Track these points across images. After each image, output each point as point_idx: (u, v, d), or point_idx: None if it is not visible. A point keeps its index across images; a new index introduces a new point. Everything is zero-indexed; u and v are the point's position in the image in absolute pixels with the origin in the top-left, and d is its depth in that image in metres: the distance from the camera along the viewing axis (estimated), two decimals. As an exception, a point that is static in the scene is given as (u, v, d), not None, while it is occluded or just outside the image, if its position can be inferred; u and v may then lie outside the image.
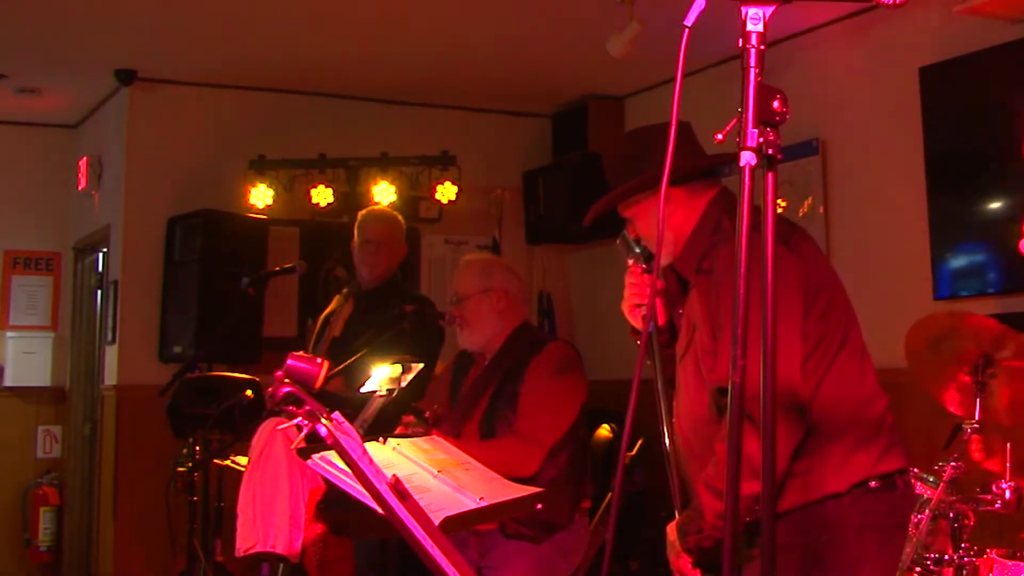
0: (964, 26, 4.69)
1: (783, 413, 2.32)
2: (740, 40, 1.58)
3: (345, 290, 4.74)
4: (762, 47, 1.57)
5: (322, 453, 2.12)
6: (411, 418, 3.44)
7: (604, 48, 5.16)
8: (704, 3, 1.59)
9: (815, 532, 2.44)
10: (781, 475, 2.40)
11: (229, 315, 5.48)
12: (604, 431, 5.93)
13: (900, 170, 5.04)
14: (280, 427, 2.89)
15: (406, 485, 1.78)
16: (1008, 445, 2.85)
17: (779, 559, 1.65)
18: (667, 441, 2.71)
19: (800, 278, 2.44)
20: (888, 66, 5.16)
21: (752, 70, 1.56)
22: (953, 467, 2.71)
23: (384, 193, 6.15)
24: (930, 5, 4.79)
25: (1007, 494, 2.74)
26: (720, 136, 1.65)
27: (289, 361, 1.90)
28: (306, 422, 1.79)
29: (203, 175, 6.37)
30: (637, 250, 2.78)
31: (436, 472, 2.53)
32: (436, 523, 1.83)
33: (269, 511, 3.49)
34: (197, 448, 4.54)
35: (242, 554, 3.51)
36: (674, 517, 2.60)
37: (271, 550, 3.46)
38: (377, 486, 1.75)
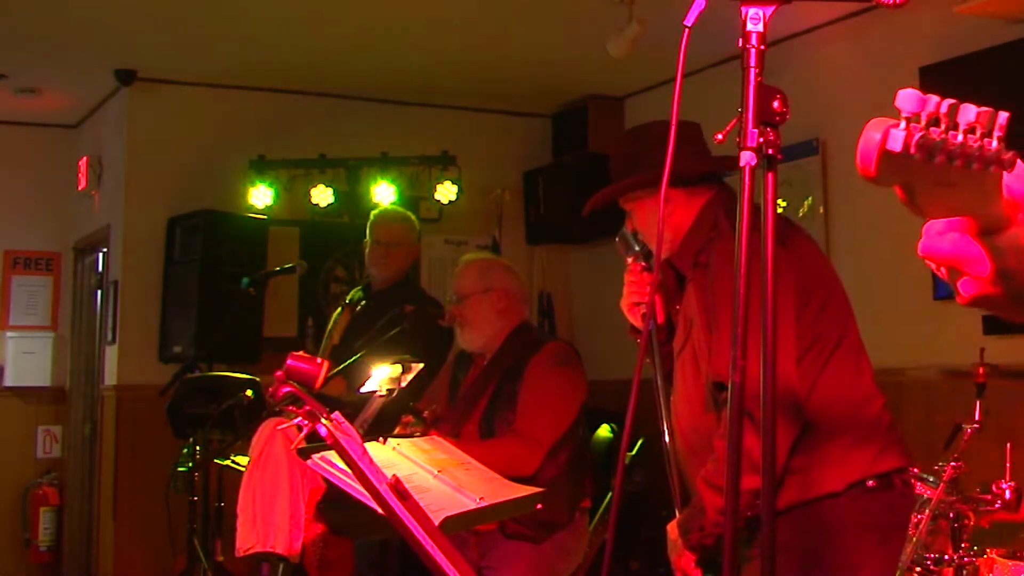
0: (964, 26, 4.69)
1: (779, 410, 2.32)
2: (740, 40, 1.58)
3: (345, 301, 4.72)
4: (762, 47, 1.57)
5: (322, 453, 2.12)
6: (410, 418, 3.43)
7: (604, 48, 5.16)
8: (704, 3, 1.59)
9: (814, 532, 2.44)
10: (779, 470, 2.40)
11: (229, 315, 5.48)
12: (604, 431, 5.93)
13: (900, 170, 5.03)
14: (280, 427, 2.89)
15: (406, 485, 1.78)
16: (1008, 445, 2.85)
17: (778, 560, 1.65)
18: (667, 438, 2.71)
19: (794, 276, 2.45)
20: (888, 66, 5.16)
21: (752, 70, 1.56)
22: (953, 467, 2.71)
23: (384, 193, 6.15)
24: (930, 5, 4.78)
25: (1007, 494, 2.74)
26: (720, 136, 1.65)
27: (289, 361, 1.90)
28: (306, 422, 1.79)
29: (203, 175, 6.36)
30: (636, 248, 2.78)
31: (436, 472, 2.53)
32: (436, 523, 1.82)
33: (269, 511, 3.49)
34: (197, 448, 4.52)
35: (242, 554, 3.50)
36: (674, 516, 2.60)
37: (271, 550, 3.46)
38: (377, 486, 1.75)
